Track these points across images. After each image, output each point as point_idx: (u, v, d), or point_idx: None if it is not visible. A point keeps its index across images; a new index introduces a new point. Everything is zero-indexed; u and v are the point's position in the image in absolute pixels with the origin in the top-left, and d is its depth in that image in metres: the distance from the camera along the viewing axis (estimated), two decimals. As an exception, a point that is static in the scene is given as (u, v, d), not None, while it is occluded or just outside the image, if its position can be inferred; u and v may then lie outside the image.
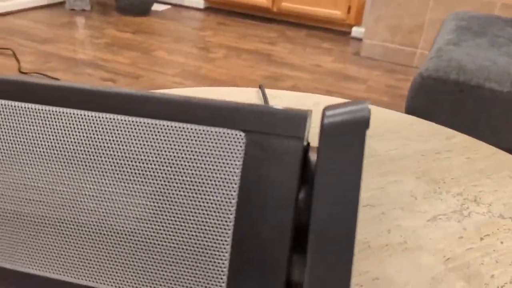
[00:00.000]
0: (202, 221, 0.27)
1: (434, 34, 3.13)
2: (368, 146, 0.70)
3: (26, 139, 0.30)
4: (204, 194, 0.27)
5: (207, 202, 0.27)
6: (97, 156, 0.29)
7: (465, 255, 0.48)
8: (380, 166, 0.64)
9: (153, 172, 0.28)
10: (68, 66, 2.68)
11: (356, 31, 3.72)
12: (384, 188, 0.59)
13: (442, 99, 1.60)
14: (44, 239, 0.30)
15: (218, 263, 0.27)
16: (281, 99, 0.80)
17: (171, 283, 0.28)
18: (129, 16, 3.68)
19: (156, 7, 4.00)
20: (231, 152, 0.27)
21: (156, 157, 0.28)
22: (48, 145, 0.30)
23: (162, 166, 0.28)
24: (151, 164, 0.28)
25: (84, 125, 0.29)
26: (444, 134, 0.76)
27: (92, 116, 0.29)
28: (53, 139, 0.30)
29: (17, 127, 0.30)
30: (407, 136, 0.74)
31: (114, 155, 0.29)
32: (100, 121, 0.29)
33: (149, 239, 0.28)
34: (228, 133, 0.27)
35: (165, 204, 0.28)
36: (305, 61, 3.11)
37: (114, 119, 0.29)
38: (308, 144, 0.31)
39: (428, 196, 0.59)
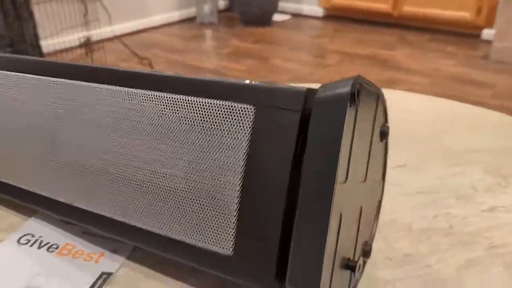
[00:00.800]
0: (220, 176, 0.35)
1: None
2: (440, 140, 0.70)
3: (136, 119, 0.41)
4: (221, 155, 0.35)
5: (222, 162, 0.35)
6: (159, 128, 0.39)
7: None
8: (448, 159, 0.65)
9: (187, 138, 0.37)
10: (194, 74, 2.98)
11: (487, 33, 3.44)
12: (445, 179, 0.60)
13: None
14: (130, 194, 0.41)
15: (229, 209, 0.35)
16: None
17: (196, 223, 0.37)
18: (252, 27, 3.92)
19: (277, 17, 4.19)
20: (243, 122, 0.35)
21: (187, 126, 0.37)
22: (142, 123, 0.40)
23: (193, 133, 0.36)
24: (184, 132, 0.37)
25: (154, 103, 0.39)
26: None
27: (155, 95, 0.39)
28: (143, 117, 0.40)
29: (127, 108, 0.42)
30: (489, 132, 0.72)
31: (165, 126, 0.38)
32: (161, 99, 0.39)
33: (183, 192, 0.37)
34: (240, 107, 0.35)
35: (194, 163, 0.36)
36: (424, 65, 2.98)
37: (163, 96, 0.38)
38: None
39: (491, 189, 0.58)
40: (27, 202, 0.48)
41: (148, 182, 0.39)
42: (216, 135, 0.36)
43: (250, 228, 0.35)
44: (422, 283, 0.43)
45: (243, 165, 0.35)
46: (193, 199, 0.37)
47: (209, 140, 0.36)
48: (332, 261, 0.33)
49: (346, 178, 0.33)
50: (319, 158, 0.31)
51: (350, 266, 0.37)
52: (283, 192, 0.33)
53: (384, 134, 0.44)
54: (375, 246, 0.47)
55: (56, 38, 1.93)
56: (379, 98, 0.40)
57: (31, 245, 0.46)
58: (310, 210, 0.31)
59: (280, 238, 0.33)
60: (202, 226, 0.37)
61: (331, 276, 0.33)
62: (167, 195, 0.38)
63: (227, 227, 0.35)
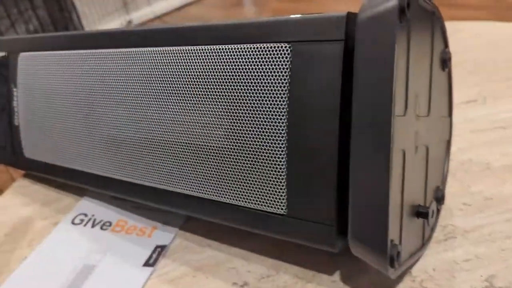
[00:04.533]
0: (262, 127, 0.31)
1: None
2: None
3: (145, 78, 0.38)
4: (259, 104, 0.31)
5: (262, 112, 0.31)
6: (186, 84, 0.35)
7: None
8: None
9: (220, 90, 0.33)
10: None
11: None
12: (525, 111, 0.52)
13: None
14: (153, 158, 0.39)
15: (276, 163, 0.31)
16: None
17: (239, 179, 0.33)
18: (293, -12, 3.78)
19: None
20: (278, 63, 0.30)
21: (220, 78, 0.33)
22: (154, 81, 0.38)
23: (227, 86, 0.33)
24: (218, 86, 0.33)
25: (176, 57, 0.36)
26: None
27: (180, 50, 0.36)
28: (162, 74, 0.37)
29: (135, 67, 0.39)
30: None
31: (192, 79, 0.35)
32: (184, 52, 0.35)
33: (226, 151, 0.34)
34: (272, 47, 0.31)
35: (233, 118, 0.33)
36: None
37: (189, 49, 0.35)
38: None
39: None
40: (77, 182, 0.48)
41: (190, 145, 0.36)
42: (251, 83, 0.32)
43: (302, 181, 0.31)
44: (511, 228, 0.37)
45: (285, 111, 0.30)
46: (238, 158, 0.33)
47: (245, 90, 0.32)
48: (399, 208, 0.28)
49: (405, 110, 0.28)
50: (370, 89, 0.26)
51: (422, 213, 0.32)
52: (334, 135, 0.29)
53: (445, 62, 0.38)
54: (449, 191, 0.41)
55: (99, 25, 1.95)
56: (436, 18, 0.34)
57: (85, 225, 0.46)
58: (366, 151, 0.26)
59: (337, 188, 0.29)
60: (250, 185, 0.33)
61: (400, 225, 0.29)
62: (211, 157, 0.35)
63: (276, 183, 0.32)
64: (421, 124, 0.32)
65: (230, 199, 0.35)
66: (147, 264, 0.40)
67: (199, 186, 0.36)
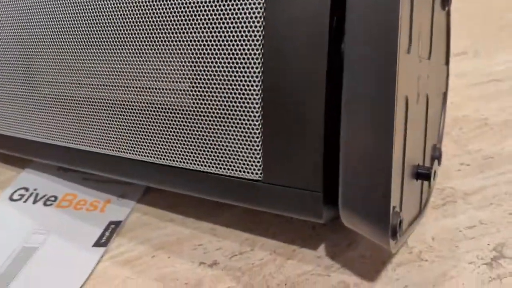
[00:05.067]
0: (230, 77, 0.25)
1: None
2: (509, 15, 0.57)
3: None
4: (226, 48, 0.25)
5: (230, 58, 0.25)
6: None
7: None
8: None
9: (180, 34, 0.26)
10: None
11: None
12: (520, 63, 0.48)
13: None
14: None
15: (249, 119, 0.25)
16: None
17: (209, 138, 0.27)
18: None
19: None
20: None
21: (178, 16, 0.26)
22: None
23: (186, 26, 0.26)
24: (177, 27, 0.26)
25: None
26: None
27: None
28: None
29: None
30: None
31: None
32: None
33: (191, 110, 0.27)
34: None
35: (197, 68, 0.26)
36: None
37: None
38: None
39: None
40: (18, 151, 0.40)
41: (149, 104, 0.29)
42: (215, 22, 0.25)
43: (280, 139, 0.25)
44: (516, 188, 0.33)
45: (258, 51, 0.24)
46: (203, 114, 0.27)
47: (207, 30, 0.25)
48: (401, 168, 0.23)
49: (409, 47, 0.22)
50: (370, 14, 0.20)
51: (422, 174, 0.27)
52: (320, 77, 0.22)
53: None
54: (444, 150, 0.36)
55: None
56: None
57: (25, 201, 0.39)
58: (364, 95, 0.21)
59: (324, 146, 0.23)
60: (218, 146, 0.27)
61: (402, 189, 0.23)
62: (175, 118, 0.28)
63: (248, 142, 0.26)
64: (422, 68, 0.27)
65: (196, 164, 0.28)
66: (98, 244, 0.34)
67: (159, 152, 0.30)
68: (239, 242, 0.32)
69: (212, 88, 0.26)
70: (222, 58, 0.25)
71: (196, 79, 0.26)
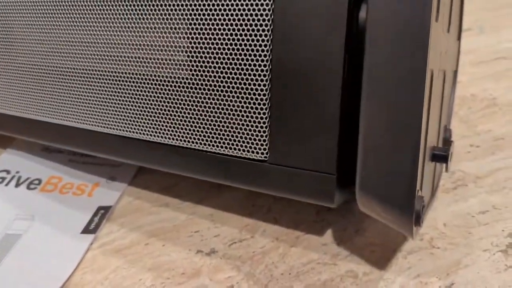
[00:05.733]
0: (234, 46, 0.23)
1: None
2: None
3: None
4: (230, 16, 0.22)
5: (235, 27, 0.22)
6: None
7: None
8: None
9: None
10: None
11: None
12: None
13: None
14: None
15: (255, 93, 0.23)
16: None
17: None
18: None
19: None
20: None
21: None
22: None
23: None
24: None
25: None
26: None
27: None
28: None
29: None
30: None
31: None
32: None
33: (190, 83, 0.25)
34: None
35: (197, 36, 0.24)
36: None
37: None
38: None
39: None
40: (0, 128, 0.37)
41: (143, 76, 0.26)
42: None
43: (291, 118, 0.22)
44: (530, 171, 0.31)
45: (269, 26, 0.21)
46: (203, 87, 0.24)
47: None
48: (424, 149, 0.21)
49: (438, 13, 0.20)
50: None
51: (439, 156, 0.25)
52: (338, 45, 0.20)
53: None
54: (454, 132, 0.34)
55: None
56: None
57: (7, 184, 0.36)
58: (389, 66, 0.18)
59: (340, 123, 0.21)
60: (220, 122, 0.25)
61: (422, 171, 0.21)
62: (171, 92, 0.26)
63: (254, 118, 0.23)
64: (443, 41, 0.25)
65: (193, 143, 0.26)
66: (86, 230, 0.31)
67: (154, 129, 0.27)
68: (239, 229, 0.30)
69: (214, 58, 0.23)
70: (227, 25, 0.22)
71: (196, 48, 0.24)
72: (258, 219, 0.30)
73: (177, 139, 0.27)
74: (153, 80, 0.26)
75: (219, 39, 0.23)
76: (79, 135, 0.31)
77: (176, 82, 0.25)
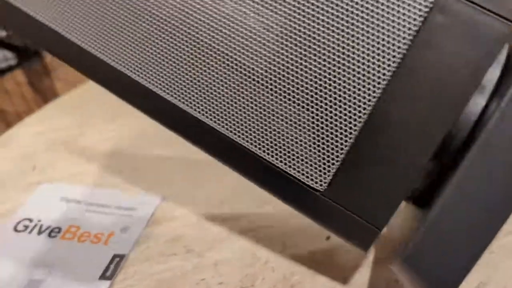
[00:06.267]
0: (343, 60, 0.24)
1: None
2: None
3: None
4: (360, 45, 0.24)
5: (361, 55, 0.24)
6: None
7: None
8: None
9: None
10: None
11: None
12: None
13: None
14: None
15: (343, 123, 0.24)
16: None
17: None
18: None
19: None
20: (411, 9, 0.23)
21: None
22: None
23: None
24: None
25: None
26: None
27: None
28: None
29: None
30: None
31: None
32: None
33: (269, 75, 0.26)
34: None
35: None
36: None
37: None
38: None
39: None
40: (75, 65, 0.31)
41: (224, 57, 0.26)
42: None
43: (366, 164, 0.24)
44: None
45: (387, 76, 0.23)
46: (283, 91, 0.25)
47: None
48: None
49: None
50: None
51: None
52: (439, 131, 0.23)
53: None
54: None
55: None
56: None
57: (30, 232, 0.40)
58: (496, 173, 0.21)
59: (411, 192, 0.25)
60: (298, 142, 0.26)
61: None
62: (256, 87, 0.26)
63: (332, 151, 0.25)
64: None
65: (254, 146, 0.27)
66: (103, 277, 0.35)
67: (232, 122, 0.27)
68: (240, 277, 0.34)
69: (310, 63, 0.24)
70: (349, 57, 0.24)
71: (300, 47, 0.24)
72: (257, 269, 0.34)
73: (251, 143, 0.27)
74: (235, 62, 0.26)
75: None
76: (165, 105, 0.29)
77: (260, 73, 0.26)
